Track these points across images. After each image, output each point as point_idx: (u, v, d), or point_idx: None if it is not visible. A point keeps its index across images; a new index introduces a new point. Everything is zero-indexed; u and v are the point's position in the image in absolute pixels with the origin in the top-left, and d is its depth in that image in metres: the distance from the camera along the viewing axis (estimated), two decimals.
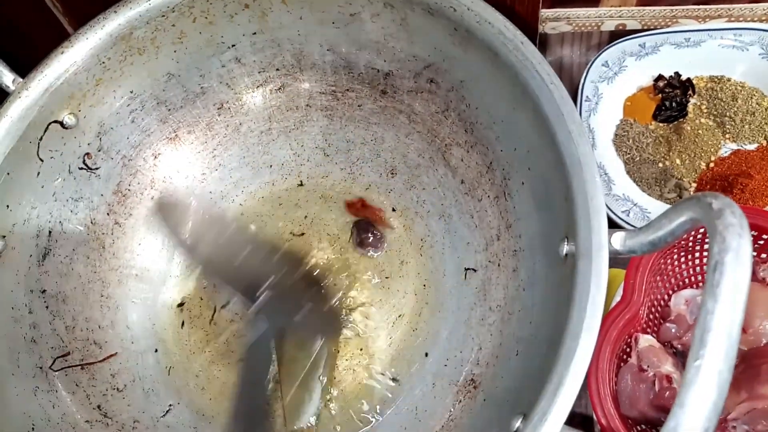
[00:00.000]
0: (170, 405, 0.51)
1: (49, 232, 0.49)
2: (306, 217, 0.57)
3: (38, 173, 0.47)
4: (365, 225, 0.56)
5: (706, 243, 0.50)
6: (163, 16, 0.47)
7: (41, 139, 0.47)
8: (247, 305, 0.54)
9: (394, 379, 0.52)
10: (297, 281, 0.55)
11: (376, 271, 0.55)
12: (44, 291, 0.49)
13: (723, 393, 0.24)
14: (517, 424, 0.34)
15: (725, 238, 0.26)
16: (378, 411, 0.51)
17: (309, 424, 0.51)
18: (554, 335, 0.35)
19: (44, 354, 0.47)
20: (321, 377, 0.52)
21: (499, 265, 0.48)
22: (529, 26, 0.54)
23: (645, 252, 0.33)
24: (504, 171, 0.47)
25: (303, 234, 0.57)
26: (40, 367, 0.47)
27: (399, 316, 0.53)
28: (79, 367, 0.49)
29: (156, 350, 0.53)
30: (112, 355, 0.51)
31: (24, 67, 0.45)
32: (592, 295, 0.32)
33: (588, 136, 0.36)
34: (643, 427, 0.48)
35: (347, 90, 0.55)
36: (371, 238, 0.55)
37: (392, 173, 0.56)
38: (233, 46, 0.52)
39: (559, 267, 0.38)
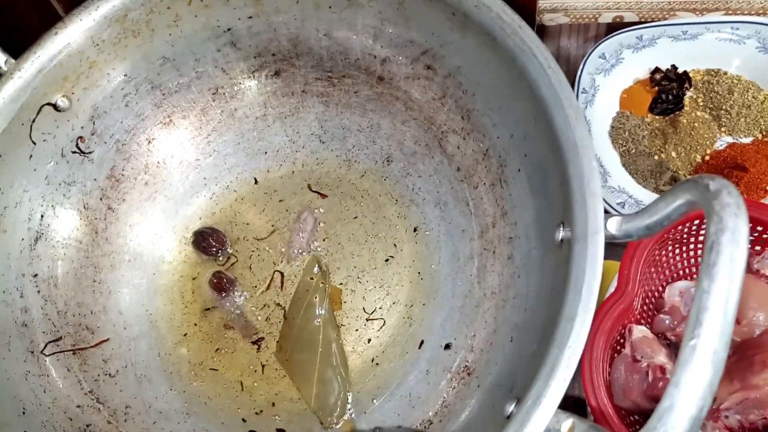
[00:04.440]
0: (162, 391, 0.51)
1: (41, 216, 0.49)
2: (302, 203, 0.57)
3: (31, 156, 0.47)
4: None
5: (701, 235, 0.50)
6: None
7: (34, 121, 0.46)
8: None
9: (388, 366, 0.51)
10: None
11: (370, 259, 0.55)
12: (36, 275, 0.48)
13: (718, 372, 0.24)
14: (511, 408, 0.34)
15: (722, 218, 0.26)
16: (372, 398, 0.51)
17: (347, 417, 0.51)
18: (549, 321, 0.35)
19: (35, 338, 0.47)
20: (335, 365, 0.51)
21: (494, 252, 0.48)
22: (527, 14, 0.54)
23: (641, 236, 0.33)
24: (500, 158, 0.47)
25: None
26: (32, 352, 0.47)
27: (393, 303, 0.53)
28: (71, 352, 0.49)
29: (148, 336, 0.53)
30: (104, 341, 0.50)
31: (15, 51, 0.45)
32: (588, 279, 0.32)
33: (585, 121, 0.36)
34: (636, 417, 0.48)
35: (343, 76, 0.54)
36: None
37: (388, 161, 0.56)
38: (229, 30, 0.51)
39: (555, 253, 0.38)
